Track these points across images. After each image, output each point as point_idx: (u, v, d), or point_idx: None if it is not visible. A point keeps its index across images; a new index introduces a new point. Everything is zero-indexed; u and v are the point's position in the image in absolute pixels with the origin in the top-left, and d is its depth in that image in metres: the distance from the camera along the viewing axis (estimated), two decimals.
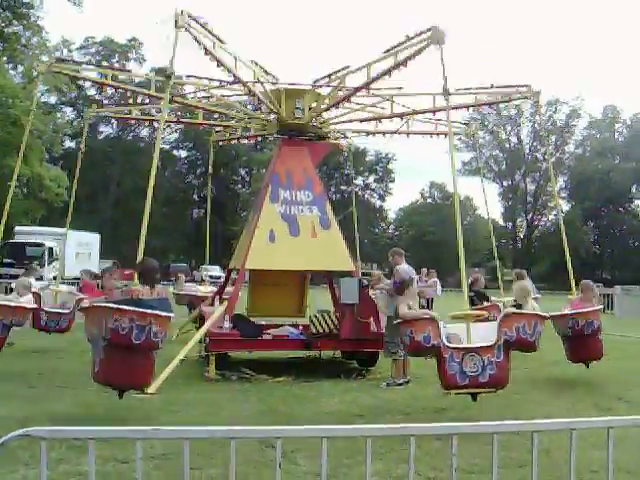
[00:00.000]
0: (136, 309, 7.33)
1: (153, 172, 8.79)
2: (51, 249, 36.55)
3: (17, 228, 39.45)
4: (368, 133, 15.11)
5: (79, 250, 40.46)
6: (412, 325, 8.22)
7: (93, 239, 44.22)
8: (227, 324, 11.53)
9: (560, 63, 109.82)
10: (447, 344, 7.96)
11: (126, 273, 47.63)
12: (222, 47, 10.87)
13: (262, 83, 12.45)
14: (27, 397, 9.03)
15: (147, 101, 14.18)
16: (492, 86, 10.64)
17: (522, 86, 10.29)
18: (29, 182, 40.51)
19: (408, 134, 14.88)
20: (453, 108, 10.86)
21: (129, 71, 12.38)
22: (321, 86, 13.07)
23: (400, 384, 10.71)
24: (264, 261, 12.01)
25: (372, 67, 10.96)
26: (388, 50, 10.54)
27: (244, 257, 12.11)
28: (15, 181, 10.76)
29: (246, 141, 19.57)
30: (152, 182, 8.79)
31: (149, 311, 7.38)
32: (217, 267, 48.16)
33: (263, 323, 12.78)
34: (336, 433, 3.51)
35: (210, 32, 10.48)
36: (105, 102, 59.49)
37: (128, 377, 7.65)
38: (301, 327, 12.63)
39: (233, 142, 17.57)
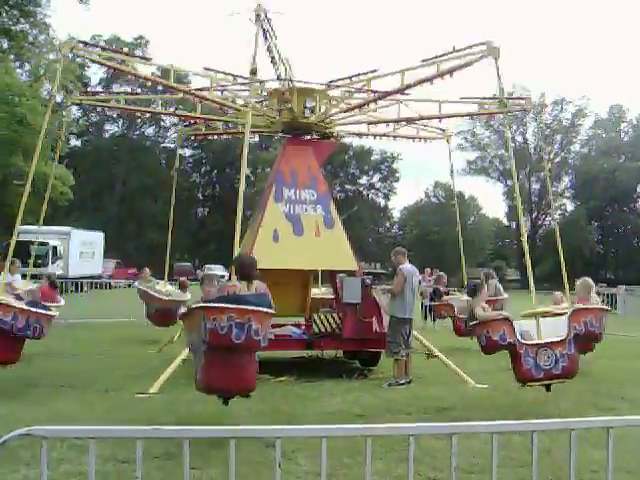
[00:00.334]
0: (233, 306, 6.92)
1: (242, 181, 8.93)
2: (55, 248, 36.61)
3: (21, 227, 39.31)
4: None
5: (83, 249, 40.55)
6: (488, 326, 8.66)
7: (97, 238, 44.27)
8: None
9: (566, 62, 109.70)
10: (522, 341, 8.52)
11: (129, 272, 47.95)
12: (274, 43, 10.92)
13: (291, 80, 12.40)
14: (28, 397, 9.05)
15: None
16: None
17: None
18: (34, 181, 40.54)
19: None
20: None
21: (149, 59, 12.07)
22: (340, 87, 13.05)
23: (402, 384, 10.71)
24: (268, 260, 11.96)
25: (406, 73, 11.16)
26: (429, 59, 10.73)
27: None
28: (29, 182, 10.68)
29: (225, 136, 19.31)
30: (242, 187, 8.89)
31: (248, 307, 6.96)
32: (220, 266, 48.19)
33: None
34: (336, 433, 3.51)
35: (272, 29, 10.50)
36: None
37: (232, 382, 7.21)
38: (303, 326, 12.63)
39: (210, 137, 17.36)
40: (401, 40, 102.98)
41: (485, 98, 12.40)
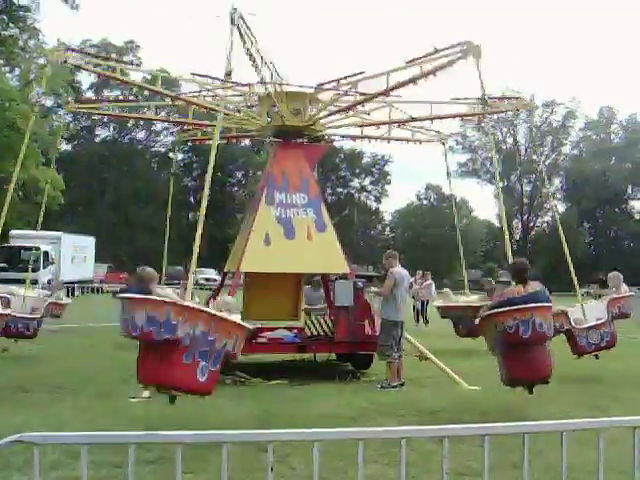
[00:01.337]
0: (514, 307, 8.10)
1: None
2: (46, 253, 36.46)
3: (12, 232, 39.32)
4: (369, 138, 15.15)
5: (74, 254, 40.41)
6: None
7: (89, 242, 44.14)
8: None
9: (556, 64, 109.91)
10: (575, 326, 11.35)
11: (121, 276, 47.84)
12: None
13: (274, 84, 12.40)
14: (21, 402, 9.01)
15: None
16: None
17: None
18: (25, 185, 40.37)
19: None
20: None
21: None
22: (329, 90, 13.05)
23: (394, 386, 10.73)
24: (259, 264, 11.99)
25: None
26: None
27: (239, 260, 12.10)
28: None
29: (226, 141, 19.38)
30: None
31: (528, 305, 8.10)
32: (212, 270, 48.10)
33: (259, 326, 12.80)
34: (327, 436, 3.52)
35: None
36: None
37: (529, 372, 8.41)
38: (296, 330, 12.63)
39: (206, 142, 17.45)
40: (392, 42, 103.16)
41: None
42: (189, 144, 74.40)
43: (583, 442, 5.91)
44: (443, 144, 15.07)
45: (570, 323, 11.33)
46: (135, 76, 12.31)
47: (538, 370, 8.43)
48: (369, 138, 15.07)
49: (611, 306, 11.70)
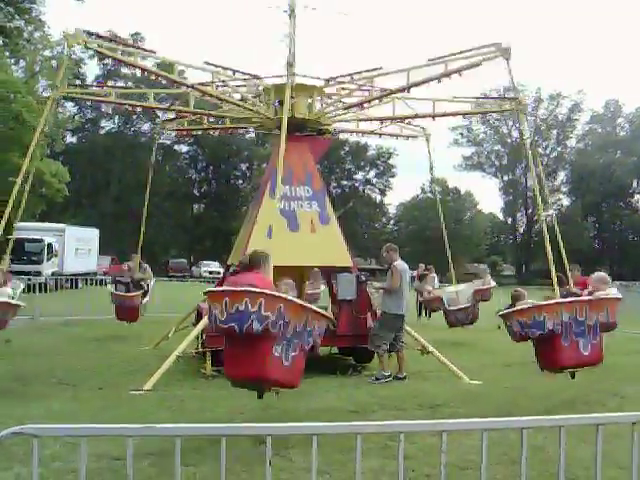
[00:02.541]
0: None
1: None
2: (50, 245, 36.51)
3: (16, 224, 39.20)
4: (363, 132, 15.17)
5: (78, 246, 40.44)
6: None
7: (92, 234, 44.17)
8: None
9: (562, 57, 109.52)
10: (449, 307, 13.30)
11: (124, 268, 47.88)
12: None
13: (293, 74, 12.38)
14: (22, 394, 9.04)
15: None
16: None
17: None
18: (29, 177, 40.39)
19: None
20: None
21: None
22: (342, 83, 13.03)
23: (386, 376, 10.77)
24: None
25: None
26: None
27: (242, 253, 12.08)
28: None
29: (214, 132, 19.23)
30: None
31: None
32: (216, 263, 48.21)
33: None
34: (325, 430, 3.53)
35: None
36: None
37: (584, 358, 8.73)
38: None
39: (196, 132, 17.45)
40: (388, 38, 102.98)
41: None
42: (192, 137, 74.75)
43: (583, 437, 5.92)
44: (427, 140, 15.31)
45: (444, 305, 15.42)
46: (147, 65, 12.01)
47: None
48: (362, 132, 15.15)
49: (476, 294, 15.50)
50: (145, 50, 11.08)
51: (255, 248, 7.99)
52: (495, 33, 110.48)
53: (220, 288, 6.95)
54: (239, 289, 6.78)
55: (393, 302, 11.08)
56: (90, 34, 10.54)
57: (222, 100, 12.71)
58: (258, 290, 6.69)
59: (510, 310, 9.02)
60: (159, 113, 15.42)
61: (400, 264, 11.25)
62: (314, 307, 7.43)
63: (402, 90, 11.86)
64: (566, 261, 11.00)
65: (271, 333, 6.59)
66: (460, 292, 15.75)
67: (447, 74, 10.73)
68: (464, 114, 14.04)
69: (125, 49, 11.36)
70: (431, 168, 16.06)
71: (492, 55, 10.25)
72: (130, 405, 8.48)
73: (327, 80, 13.05)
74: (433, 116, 13.07)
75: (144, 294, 16.72)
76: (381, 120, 13.97)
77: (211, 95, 12.58)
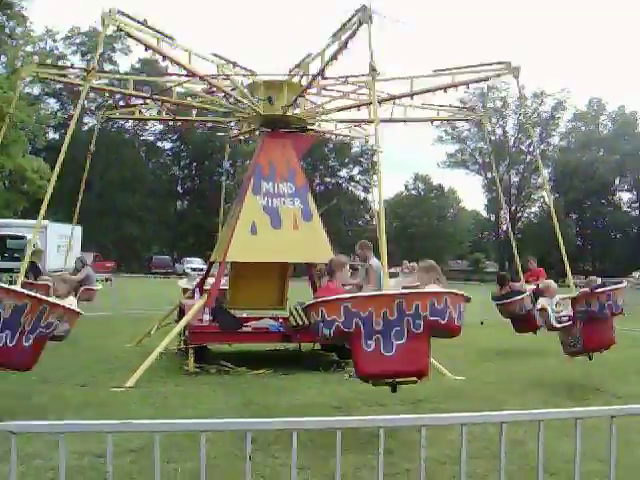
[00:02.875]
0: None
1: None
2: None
3: None
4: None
5: (60, 242, 40.22)
6: None
7: (75, 231, 43.95)
8: (207, 316, 11.52)
9: (546, 55, 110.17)
10: None
11: (107, 265, 47.84)
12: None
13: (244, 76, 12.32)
14: (4, 392, 8.96)
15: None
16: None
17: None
18: (11, 174, 40.17)
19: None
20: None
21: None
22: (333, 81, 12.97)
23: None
24: (245, 253, 11.98)
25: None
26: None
27: (225, 249, 12.09)
28: None
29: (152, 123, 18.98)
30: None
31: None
32: (199, 259, 48.11)
33: (244, 315, 12.79)
34: (306, 426, 3.52)
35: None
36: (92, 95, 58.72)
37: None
38: (281, 319, 12.62)
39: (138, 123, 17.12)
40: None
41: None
42: (176, 134, 74.54)
43: (564, 432, 5.97)
44: (366, 142, 15.67)
45: None
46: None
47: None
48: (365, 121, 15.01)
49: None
50: (171, 38, 10.80)
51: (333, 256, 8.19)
52: (478, 31, 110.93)
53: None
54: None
55: None
56: (125, 16, 10.18)
57: (226, 94, 12.62)
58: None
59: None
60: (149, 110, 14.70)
61: (376, 263, 11.20)
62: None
63: (403, 97, 12.24)
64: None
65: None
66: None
67: (454, 85, 11.25)
68: (433, 120, 14.12)
69: (157, 36, 10.94)
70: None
71: (501, 73, 10.77)
72: (112, 402, 8.44)
73: (314, 76, 12.91)
74: (411, 95, 12.94)
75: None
76: (358, 107, 13.67)
77: (218, 88, 12.49)
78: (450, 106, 14.07)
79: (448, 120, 14.26)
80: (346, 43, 9.54)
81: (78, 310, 8.48)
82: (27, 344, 7.30)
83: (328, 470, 5.73)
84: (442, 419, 3.62)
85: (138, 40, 10.41)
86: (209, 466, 3.38)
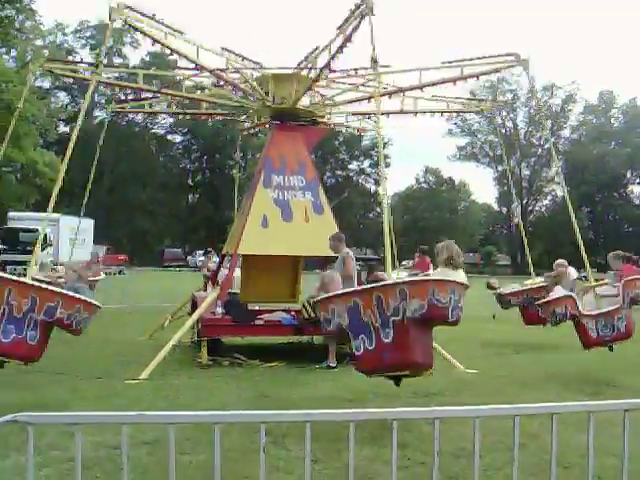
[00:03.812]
0: None
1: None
2: (45, 235, 36.46)
3: (10, 214, 39.25)
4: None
5: (73, 235, 40.43)
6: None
7: (87, 224, 44.11)
8: (219, 309, 11.57)
9: (556, 48, 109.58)
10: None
11: (120, 257, 48.03)
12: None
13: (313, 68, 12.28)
14: (19, 384, 9.02)
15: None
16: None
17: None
18: (23, 167, 40.31)
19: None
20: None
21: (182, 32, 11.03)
22: (344, 75, 12.96)
23: (332, 367, 10.76)
24: (257, 246, 12.00)
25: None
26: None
27: (237, 242, 12.11)
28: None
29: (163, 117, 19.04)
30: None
31: None
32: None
33: (257, 308, 12.83)
34: (319, 418, 3.53)
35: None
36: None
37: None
38: (293, 312, 12.65)
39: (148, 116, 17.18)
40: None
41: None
42: (186, 127, 74.58)
43: (578, 426, 5.95)
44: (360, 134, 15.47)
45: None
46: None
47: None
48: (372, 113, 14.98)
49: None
50: (181, 32, 10.81)
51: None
52: (488, 23, 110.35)
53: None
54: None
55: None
56: (133, 10, 10.17)
57: (235, 86, 12.61)
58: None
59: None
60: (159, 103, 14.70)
61: (351, 252, 11.22)
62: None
63: (412, 89, 12.15)
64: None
65: None
66: None
67: (463, 78, 11.20)
68: (442, 112, 14.06)
69: (164, 29, 10.89)
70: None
71: (511, 65, 10.82)
72: (126, 395, 8.49)
73: (321, 69, 12.88)
74: (421, 87, 12.89)
75: None
76: (368, 99, 13.59)
77: (227, 81, 12.49)
78: (460, 98, 14.05)
79: (458, 112, 14.20)
80: (350, 36, 9.57)
81: (97, 303, 8.54)
82: (34, 335, 7.44)
83: (341, 462, 5.74)
84: (455, 412, 3.64)
85: (146, 34, 10.43)
86: (223, 458, 3.39)
